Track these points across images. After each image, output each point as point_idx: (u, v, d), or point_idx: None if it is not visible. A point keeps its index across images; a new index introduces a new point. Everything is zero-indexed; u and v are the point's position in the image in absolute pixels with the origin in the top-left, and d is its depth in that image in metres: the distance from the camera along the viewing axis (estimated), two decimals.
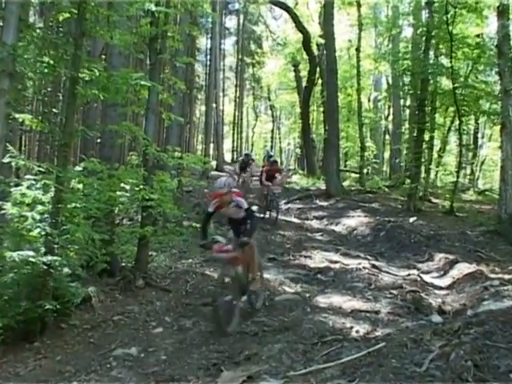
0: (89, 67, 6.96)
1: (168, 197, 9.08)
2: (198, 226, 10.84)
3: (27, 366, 5.90)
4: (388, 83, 34.59)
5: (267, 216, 15.89)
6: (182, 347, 6.31)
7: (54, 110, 19.86)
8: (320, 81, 31.30)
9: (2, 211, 6.81)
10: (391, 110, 34.32)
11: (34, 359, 6.04)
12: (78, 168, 8.06)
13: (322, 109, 32.67)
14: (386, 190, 24.04)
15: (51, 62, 6.99)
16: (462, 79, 18.60)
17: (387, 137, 37.86)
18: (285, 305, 7.89)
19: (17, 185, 6.96)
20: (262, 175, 16.34)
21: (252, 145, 60.54)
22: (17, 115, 6.98)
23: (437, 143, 23.54)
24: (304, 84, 33.15)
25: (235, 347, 6.17)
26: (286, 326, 6.75)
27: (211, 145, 40.36)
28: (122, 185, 8.76)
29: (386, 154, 37.94)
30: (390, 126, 33.89)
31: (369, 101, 36.91)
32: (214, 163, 33.64)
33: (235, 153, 48.15)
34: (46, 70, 7.11)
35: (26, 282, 6.59)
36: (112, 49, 9.38)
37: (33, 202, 6.87)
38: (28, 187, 6.91)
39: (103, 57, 15.64)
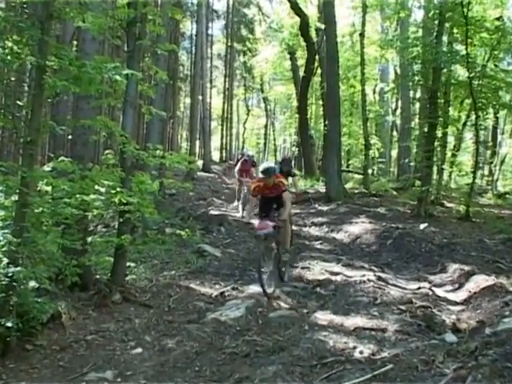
0: (58, 54, 6.91)
1: (148, 201, 9.04)
2: (182, 233, 10.87)
3: None
4: (396, 73, 34.72)
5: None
6: (164, 370, 6.28)
7: (18, 102, 19.77)
8: (319, 70, 31.34)
9: None
10: (399, 102, 34.44)
11: None
12: (46, 168, 8.01)
13: (321, 102, 32.70)
14: (394, 192, 24.11)
15: (14, 47, 6.94)
16: (479, 68, 18.57)
17: (395, 133, 38.00)
18: (280, 322, 7.87)
19: None
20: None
21: (243, 142, 60.53)
22: None
23: (451, 140, 23.60)
24: (301, 74, 33.17)
25: (224, 370, 6.14)
26: (281, 346, 6.73)
27: (197, 142, 40.36)
28: (97, 187, 8.69)
29: (394, 153, 38.09)
30: (398, 121, 34.00)
31: (374, 93, 36.98)
32: (200, 163, 33.64)
33: (224, 151, 48.16)
34: (8, 57, 7.05)
35: None
36: (84, 34, 9.34)
37: None
38: None
39: (74, 43, 15.64)
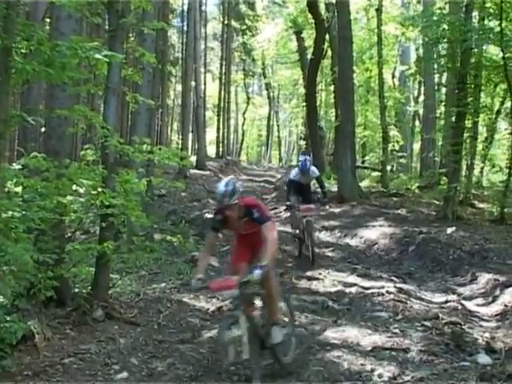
0: (26, 34, 6.87)
1: (134, 202, 9.03)
2: (173, 239, 10.85)
3: None
4: (418, 54, 34.66)
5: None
6: None
7: None
8: (330, 52, 31.32)
9: None
10: (422, 88, 34.36)
11: None
12: (15, 166, 8.00)
13: (332, 88, 32.70)
14: (416, 191, 24.05)
15: None
16: None
17: (417, 124, 37.93)
18: None
19: None
20: None
21: (242, 134, 60.51)
22: None
23: (482, 131, 23.53)
24: (309, 56, 33.15)
25: None
26: (288, 369, 6.71)
27: (190, 135, 40.32)
28: (75, 187, 8.69)
29: (416, 146, 38.00)
30: (421, 110, 33.93)
31: (393, 77, 36.97)
32: (193, 159, 33.59)
33: (221, 145, 48.06)
34: None
35: None
36: (59, 10, 9.32)
37: None
38: None
39: (47, 21, 15.61)
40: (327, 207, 20.43)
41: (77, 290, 9.18)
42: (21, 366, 6.89)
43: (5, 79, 6.73)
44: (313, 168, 13.77)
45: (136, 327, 8.50)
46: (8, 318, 6.87)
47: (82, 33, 20.13)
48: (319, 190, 14.50)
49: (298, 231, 13.63)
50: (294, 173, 13.84)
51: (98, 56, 6.87)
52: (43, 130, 9.73)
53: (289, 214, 14.67)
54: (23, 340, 7.21)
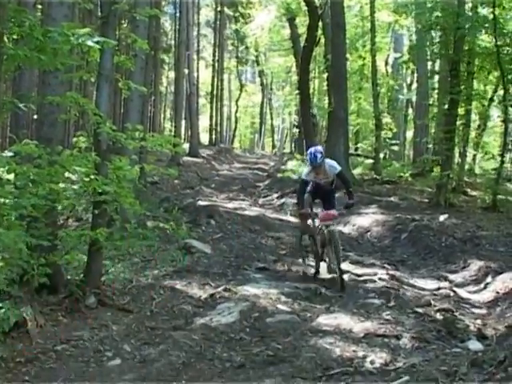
0: (18, 20, 6.83)
1: (127, 189, 9.01)
2: (166, 227, 10.83)
3: None
4: (411, 42, 34.61)
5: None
6: None
7: None
8: (323, 39, 31.22)
9: None
10: (415, 76, 34.34)
11: None
12: (7, 153, 7.96)
13: (325, 75, 32.60)
14: (409, 179, 24.08)
15: None
16: (509, 35, 18.44)
17: (410, 111, 37.92)
18: (279, 328, 7.86)
19: None
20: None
21: (235, 122, 60.39)
22: None
23: (475, 118, 23.54)
24: (302, 43, 33.03)
25: (215, 383, 6.13)
26: (280, 356, 6.72)
27: (183, 122, 40.22)
28: (67, 174, 8.67)
29: (409, 134, 38.01)
30: (414, 97, 33.91)
31: (386, 64, 36.89)
32: (186, 146, 33.53)
33: (214, 133, 47.99)
34: None
35: None
36: None
37: None
38: None
39: (39, 7, 15.52)
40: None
41: (69, 277, 9.17)
42: (13, 352, 6.87)
43: None
44: (329, 161, 10.92)
45: (129, 314, 8.49)
46: (0, 305, 6.86)
47: (74, 19, 20.02)
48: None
49: (313, 237, 11.14)
50: (306, 170, 10.99)
51: (90, 42, 6.83)
52: (35, 116, 9.68)
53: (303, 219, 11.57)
54: (15, 327, 7.19)
